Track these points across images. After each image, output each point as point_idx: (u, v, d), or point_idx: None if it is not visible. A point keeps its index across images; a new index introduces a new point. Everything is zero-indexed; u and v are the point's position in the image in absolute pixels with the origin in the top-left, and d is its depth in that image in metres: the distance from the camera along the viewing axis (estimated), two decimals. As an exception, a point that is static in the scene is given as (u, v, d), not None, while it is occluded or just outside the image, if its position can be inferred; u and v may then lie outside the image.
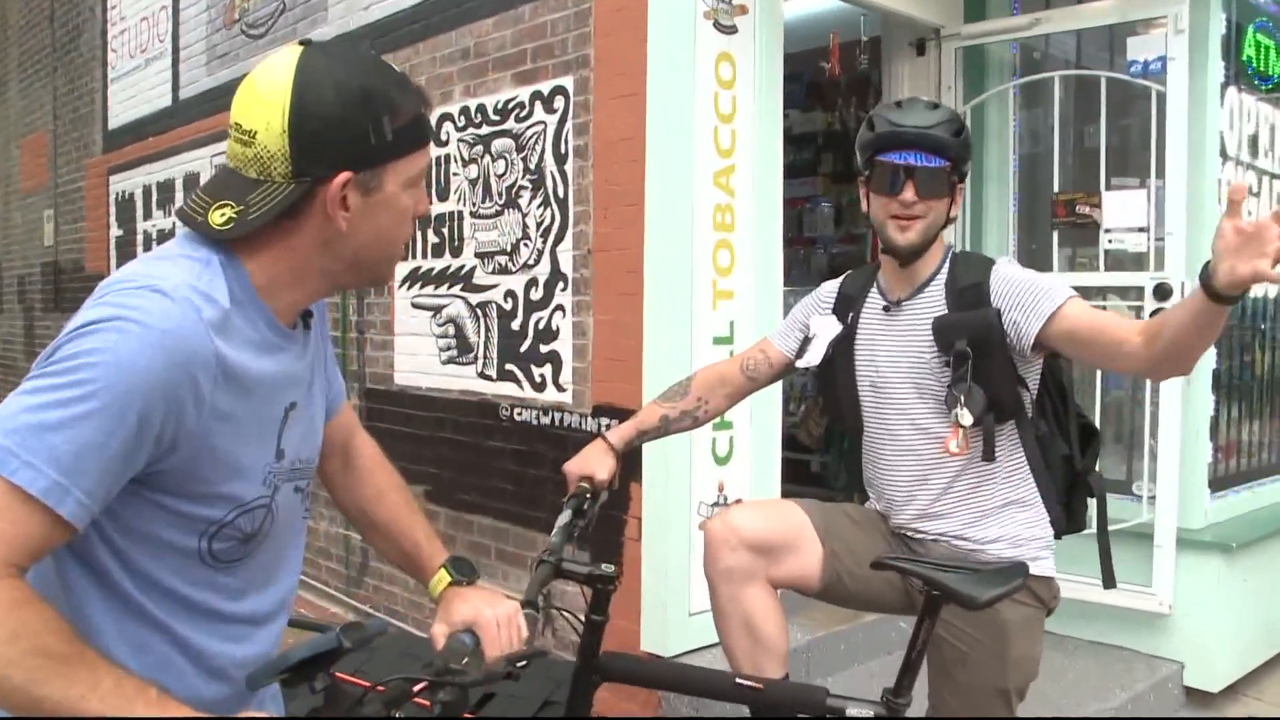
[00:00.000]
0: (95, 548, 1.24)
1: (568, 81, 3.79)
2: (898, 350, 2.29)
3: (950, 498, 2.27)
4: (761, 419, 3.70)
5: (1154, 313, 3.82)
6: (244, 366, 1.26)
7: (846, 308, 2.40)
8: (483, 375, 4.24)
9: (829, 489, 5.76)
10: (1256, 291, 4.60)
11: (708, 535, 2.28)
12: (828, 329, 2.39)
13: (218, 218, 1.26)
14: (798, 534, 2.30)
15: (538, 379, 3.99)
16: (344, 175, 1.26)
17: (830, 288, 2.49)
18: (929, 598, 1.84)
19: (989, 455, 2.20)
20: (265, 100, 1.25)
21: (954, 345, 2.16)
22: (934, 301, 2.26)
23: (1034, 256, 4.39)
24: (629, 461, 2.75)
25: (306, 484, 1.48)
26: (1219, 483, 4.24)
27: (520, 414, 4.08)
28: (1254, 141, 4.47)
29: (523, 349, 4.05)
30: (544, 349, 3.96)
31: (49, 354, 1.16)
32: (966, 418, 2.13)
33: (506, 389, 4.14)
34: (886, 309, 2.32)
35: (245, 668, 1.30)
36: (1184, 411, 3.86)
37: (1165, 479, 3.81)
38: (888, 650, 3.97)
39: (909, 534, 2.33)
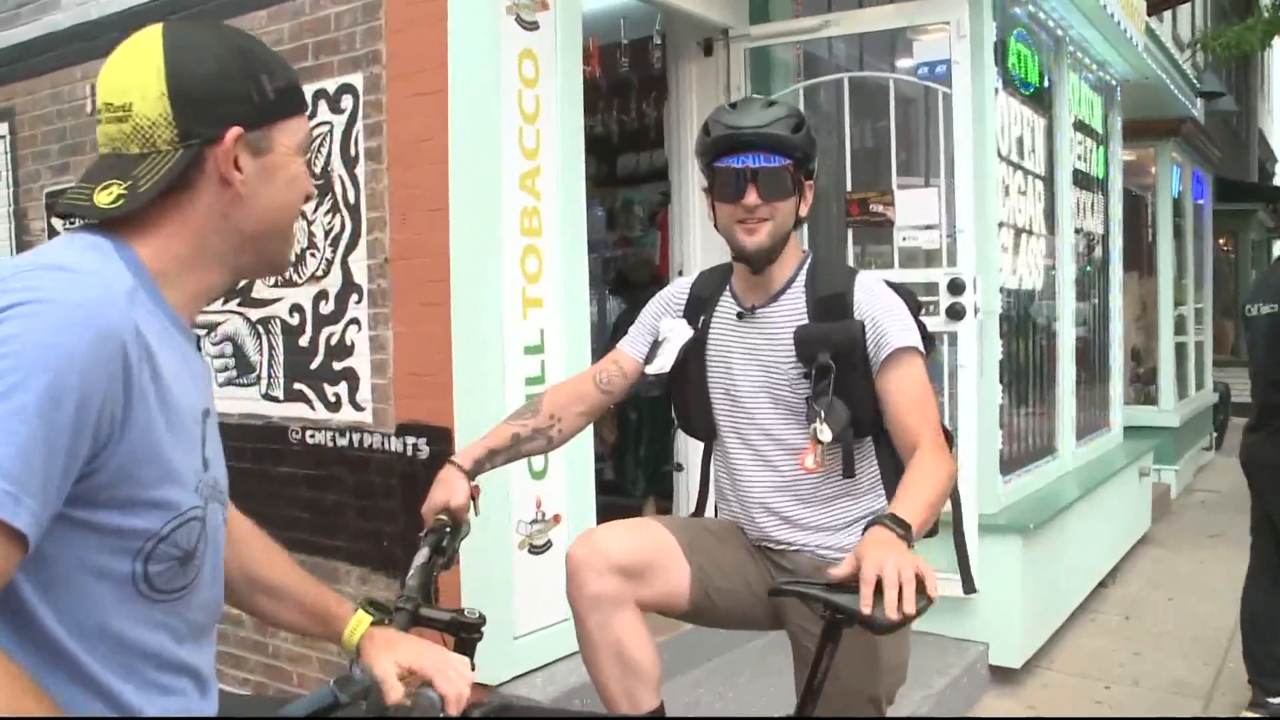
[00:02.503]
0: (17, 587, 1.05)
1: (356, 79, 3.53)
2: (753, 359, 2.21)
3: (809, 510, 2.20)
4: (575, 430, 3.56)
5: (950, 306, 3.96)
6: (158, 350, 1.13)
7: (698, 311, 2.29)
8: (268, 396, 3.90)
9: (625, 495, 5.71)
10: (1025, 284, 4.87)
11: (572, 562, 2.11)
12: (678, 333, 2.28)
13: (105, 198, 1.15)
14: (664, 553, 2.17)
15: (331, 398, 3.70)
16: (235, 130, 1.19)
17: (681, 287, 2.37)
18: (831, 622, 1.75)
19: (849, 471, 2.15)
20: (135, 69, 1.17)
21: (816, 357, 2.09)
22: (793, 310, 2.18)
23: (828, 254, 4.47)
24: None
25: (224, 519, 1.31)
26: (1005, 467, 4.45)
27: (313, 436, 3.77)
28: (1020, 143, 4.73)
29: (313, 366, 3.75)
30: (338, 366, 3.68)
31: None
32: (826, 434, 2.06)
33: (296, 410, 3.82)
34: (741, 316, 2.23)
35: None
36: (979, 401, 4.01)
37: (965, 468, 3.94)
38: (707, 658, 3.95)
39: (769, 546, 2.25)
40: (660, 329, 2.31)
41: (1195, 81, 8.97)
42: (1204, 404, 9.79)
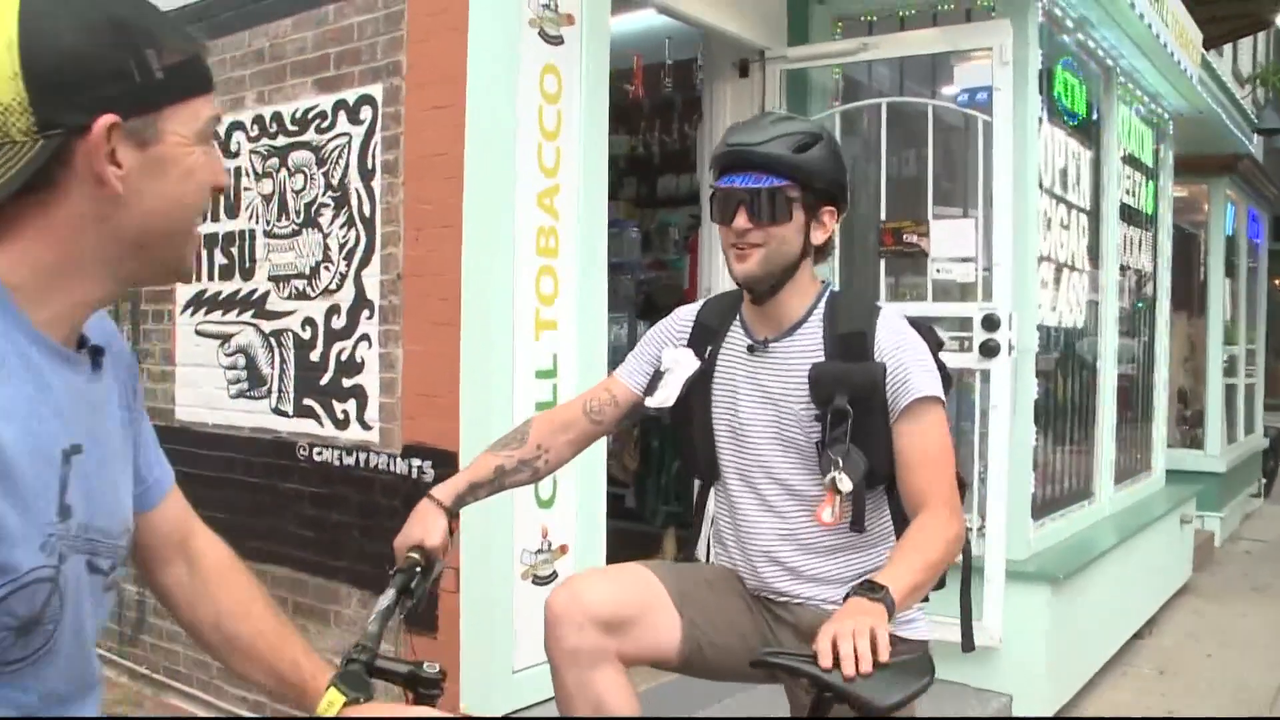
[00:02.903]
0: None
1: (376, 90, 3.45)
2: (762, 397, 2.06)
3: (815, 560, 2.06)
4: (585, 458, 3.42)
5: (984, 343, 3.80)
6: None
7: (705, 341, 2.15)
8: (278, 411, 3.82)
9: (644, 523, 5.59)
10: (1065, 321, 4.70)
11: (550, 612, 1.97)
12: (683, 364, 2.14)
13: None
14: (652, 603, 2.02)
15: (340, 415, 3.62)
16: (107, 118, 0.99)
17: (686, 315, 2.23)
18: (819, 699, 1.61)
19: (858, 525, 2.00)
20: None
21: (832, 399, 1.94)
22: (809, 346, 2.04)
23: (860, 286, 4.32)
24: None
25: (111, 566, 1.12)
26: (1037, 511, 4.27)
27: (320, 453, 3.69)
28: (1064, 175, 4.57)
29: (323, 382, 3.67)
30: (347, 383, 3.59)
31: None
32: (846, 484, 1.92)
33: (305, 426, 3.73)
34: (751, 349, 2.09)
35: None
36: (1011, 443, 3.84)
37: (994, 512, 3.78)
38: (718, 699, 3.80)
39: (770, 597, 2.11)
40: (663, 359, 2.18)
41: (1253, 117, 8.72)
42: (1253, 449, 9.49)
